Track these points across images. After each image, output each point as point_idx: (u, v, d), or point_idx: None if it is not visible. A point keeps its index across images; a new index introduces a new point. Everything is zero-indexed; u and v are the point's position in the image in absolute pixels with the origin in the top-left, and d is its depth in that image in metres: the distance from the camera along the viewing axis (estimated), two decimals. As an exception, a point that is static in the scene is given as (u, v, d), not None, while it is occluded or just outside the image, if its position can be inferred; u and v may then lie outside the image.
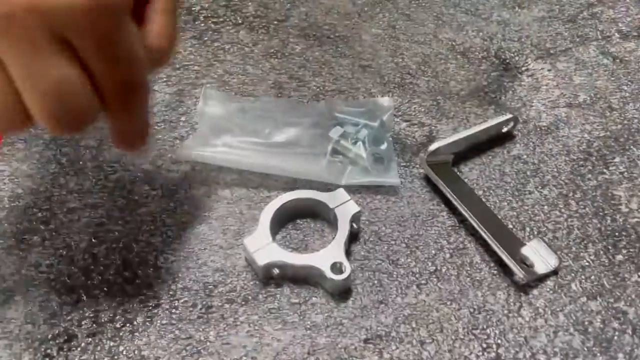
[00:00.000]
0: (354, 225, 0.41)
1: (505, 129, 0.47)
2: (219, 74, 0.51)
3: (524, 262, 0.39)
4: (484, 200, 0.43)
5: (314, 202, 0.41)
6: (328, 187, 0.43)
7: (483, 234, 0.40)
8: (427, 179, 0.44)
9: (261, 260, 0.38)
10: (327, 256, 0.38)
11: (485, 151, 0.46)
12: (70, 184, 0.44)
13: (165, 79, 0.51)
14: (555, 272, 0.39)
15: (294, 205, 0.41)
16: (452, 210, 0.43)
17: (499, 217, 0.42)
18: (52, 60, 0.29)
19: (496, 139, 0.47)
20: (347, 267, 0.38)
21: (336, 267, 0.38)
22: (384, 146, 0.45)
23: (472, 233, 0.42)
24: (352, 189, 0.43)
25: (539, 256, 0.39)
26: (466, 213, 0.41)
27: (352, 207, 0.41)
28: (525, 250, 0.39)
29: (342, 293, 0.39)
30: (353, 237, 0.41)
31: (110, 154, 0.45)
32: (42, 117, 0.30)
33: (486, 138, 0.46)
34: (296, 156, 0.44)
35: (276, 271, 0.38)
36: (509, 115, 0.46)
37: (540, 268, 0.39)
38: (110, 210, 0.42)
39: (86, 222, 0.42)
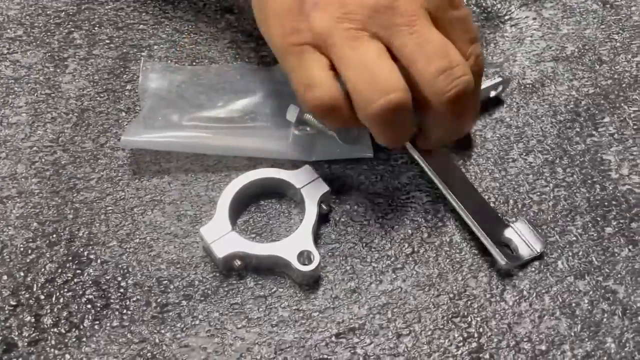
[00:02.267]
0: (323, 207, 0.37)
1: (493, 94, 0.42)
2: (168, 32, 0.45)
3: (507, 246, 0.36)
4: (464, 171, 0.40)
5: (277, 181, 0.37)
6: (294, 164, 0.39)
7: (463, 216, 0.36)
8: (403, 149, 0.40)
9: (220, 251, 0.34)
10: (293, 244, 0.35)
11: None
12: (4, 169, 0.39)
13: (107, 41, 0.45)
14: (540, 257, 0.36)
15: (256, 186, 0.37)
16: (430, 183, 0.39)
17: (481, 189, 0.39)
18: (433, 30, 0.34)
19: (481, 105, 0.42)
20: (316, 256, 0.34)
21: (303, 257, 0.34)
22: None
23: (452, 209, 0.38)
24: (320, 163, 0.39)
25: (523, 240, 0.36)
26: (446, 191, 0.37)
27: (321, 187, 0.37)
28: (509, 233, 0.36)
29: (312, 283, 0.35)
30: (322, 219, 0.37)
31: (46, 132, 0.40)
32: (439, 83, 0.33)
33: None
34: (256, 131, 0.39)
35: (238, 263, 0.35)
36: (498, 79, 0.42)
37: (524, 253, 0.36)
38: (47, 198, 0.38)
39: (21, 213, 0.37)
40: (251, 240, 0.35)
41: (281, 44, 0.35)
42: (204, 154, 0.39)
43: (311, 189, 0.36)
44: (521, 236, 0.36)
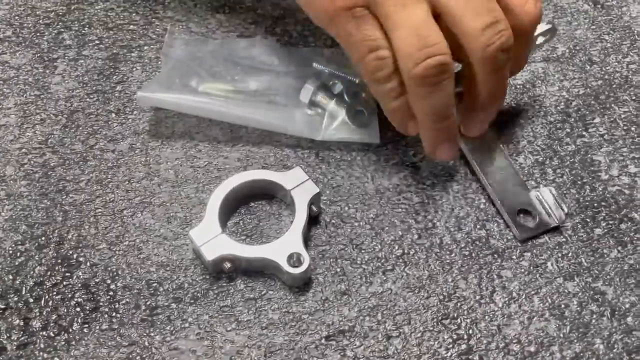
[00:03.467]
0: (313, 208, 0.37)
1: (541, 40, 0.41)
2: (158, 32, 0.45)
3: (528, 212, 0.37)
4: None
5: (267, 183, 0.37)
6: (284, 165, 0.39)
7: (484, 183, 0.38)
8: (394, 150, 0.40)
9: (210, 254, 0.34)
10: (283, 246, 0.34)
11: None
12: (-9, 170, 0.39)
13: (96, 42, 0.44)
14: (558, 228, 0.37)
15: (246, 187, 0.37)
16: (422, 181, 0.39)
17: (471, 190, 0.39)
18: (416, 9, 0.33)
19: None
20: (306, 258, 0.34)
21: (293, 259, 0.34)
22: (363, 99, 0.41)
23: (442, 209, 0.38)
24: (310, 164, 0.39)
25: (545, 208, 0.37)
26: (471, 160, 0.39)
27: (311, 188, 0.37)
28: (532, 199, 0.37)
29: (302, 285, 0.35)
30: (313, 220, 0.37)
31: (35, 133, 0.40)
32: (485, 36, 0.33)
33: None
34: (269, 106, 0.40)
35: (227, 265, 0.35)
36: (547, 26, 0.41)
37: (545, 221, 0.37)
38: (36, 200, 0.37)
39: (10, 216, 0.37)
40: (241, 243, 0.35)
41: (332, 9, 0.35)
42: (195, 153, 0.39)
43: (301, 191, 0.36)
44: (544, 204, 0.37)
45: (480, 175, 0.38)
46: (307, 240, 0.36)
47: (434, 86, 0.33)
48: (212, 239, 0.34)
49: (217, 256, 0.34)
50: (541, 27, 0.40)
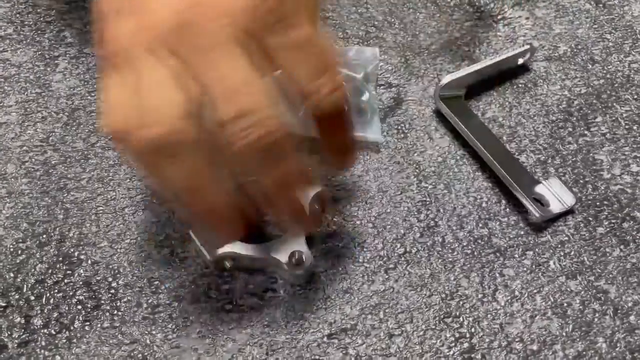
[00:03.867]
0: (316, 206, 0.36)
1: (521, 61, 0.44)
2: (160, 31, 0.45)
3: (538, 201, 0.37)
4: (456, 171, 0.40)
5: None
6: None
7: (498, 172, 0.38)
8: (396, 148, 0.40)
9: (211, 253, 0.34)
10: (285, 244, 0.34)
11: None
12: (-8, 168, 0.38)
13: (97, 39, 0.44)
14: (571, 211, 0.38)
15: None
16: (425, 179, 0.39)
17: (473, 189, 0.39)
18: (239, 62, 0.26)
19: (506, 75, 0.44)
20: (308, 257, 0.34)
21: (295, 258, 0.34)
22: (365, 97, 0.41)
23: (444, 208, 0.38)
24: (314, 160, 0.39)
25: (554, 195, 0.38)
26: (479, 149, 0.39)
27: (314, 185, 0.36)
28: (540, 189, 0.38)
29: (303, 283, 0.35)
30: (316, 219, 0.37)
31: (37, 131, 0.40)
32: (225, 131, 0.26)
33: (497, 72, 0.44)
34: None
35: (229, 263, 0.34)
36: (526, 46, 0.43)
37: (556, 207, 0.37)
38: (38, 198, 0.37)
39: (11, 213, 0.37)
40: (242, 241, 0.35)
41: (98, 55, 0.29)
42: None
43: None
44: (552, 192, 0.38)
45: (494, 163, 0.38)
46: (309, 238, 0.36)
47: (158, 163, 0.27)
48: (213, 237, 0.34)
49: (218, 255, 0.34)
50: (519, 48, 0.43)
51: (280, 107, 0.27)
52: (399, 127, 0.42)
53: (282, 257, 0.34)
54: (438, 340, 0.34)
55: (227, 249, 0.34)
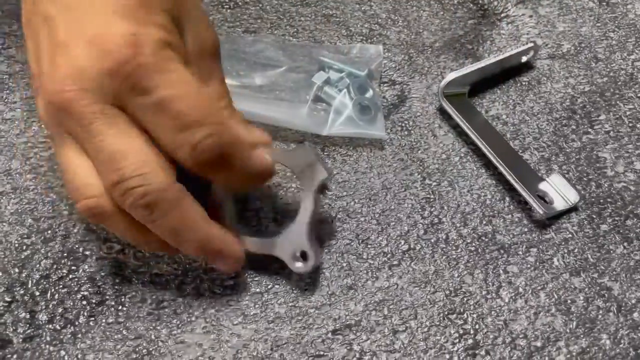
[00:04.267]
0: (322, 195, 0.34)
1: (524, 59, 0.44)
2: (164, 28, 0.45)
3: (542, 198, 0.37)
4: (460, 168, 0.40)
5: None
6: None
7: (501, 169, 0.38)
8: (400, 145, 0.40)
9: None
10: (288, 242, 0.34)
11: (462, 112, 0.42)
12: (-3, 163, 0.38)
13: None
14: (574, 209, 0.38)
15: None
16: (429, 176, 0.39)
17: (477, 186, 0.39)
18: (111, 132, 0.28)
19: (510, 72, 0.44)
20: (312, 256, 0.33)
21: (298, 257, 0.33)
22: (369, 94, 0.41)
23: (448, 205, 0.38)
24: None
25: (558, 192, 0.38)
26: (483, 146, 0.39)
27: (319, 172, 0.33)
28: (544, 186, 0.38)
29: (307, 279, 0.35)
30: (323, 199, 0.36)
31: (41, 127, 0.40)
32: (115, 197, 0.29)
33: (501, 70, 0.44)
34: (275, 101, 0.40)
35: None
36: (529, 44, 0.43)
37: (559, 204, 0.37)
38: (42, 194, 0.37)
39: (16, 209, 0.37)
40: (245, 235, 0.35)
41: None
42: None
43: (308, 175, 0.33)
44: (556, 189, 0.38)
45: (497, 160, 0.38)
46: (313, 231, 0.34)
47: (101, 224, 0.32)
48: None
49: None
50: (523, 46, 0.43)
51: (160, 162, 0.29)
52: (403, 125, 0.42)
53: (286, 256, 0.34)
54: (442, 337, 0.34)
55: None
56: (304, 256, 0.33)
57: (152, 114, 0.29)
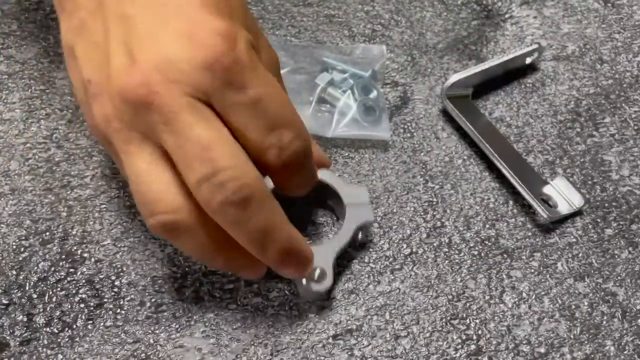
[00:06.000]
0: (360, 235, 0.35)
1: (529, 60, 0.43)
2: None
3: (546, 202, 0.37)
4: (463, 171, 0.39)
5: (325, 187, 0.35)
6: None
7: (505, 172, 0.37)
8: (403, 148, 0.40)
9: None
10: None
11: (465, 114, 0.42)
12: (-5, 164, 0.38)
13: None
14: (579, 213, 0.38)
15: None
16: (431, 179, 0.39)
17: (481, 189, 0.39)
18: (200, 125, 0.26)
19: (514, 74, 0.44)
20: (329, 277, 0.32)
21: (316, 274, 0.32)
22: (373, 94, 0.41)
23: (451, 209, 0.38)
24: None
25: (562, 196, 0.37)
26: (486, 149, 0.38)
27: (366, 214, 0.34)
28: (548, 190, 0.38)
29: (316, 302, 0.34)
30: (358, 245, 0.36)
31: (40, 128, 0.40)
32: (203, 193, 0.27)
33: (504, 72, 0.43)
34: None
35: None
36: (534, 46, 0.43)
37: (564, 208, 0.37)
38: (41, 195, 0.37)
39: (14, 211, 0.36)
40: None
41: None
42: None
43: (355, 212, 0.34)
44: (560, 192, 0.37)
45: (501, 163, 0.38)
46: (339, 260, 0.35)
47: (174, 240, 0.29)
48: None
49: None
50: (527, 48, 0.43)
51: (248, 159, 0.28)
52: (406, 127, 0.41)
53: None
54: (445, 342, 0.33)
55: None
56: (320, 277, 0.32)
57: (245, 112, 0.27)
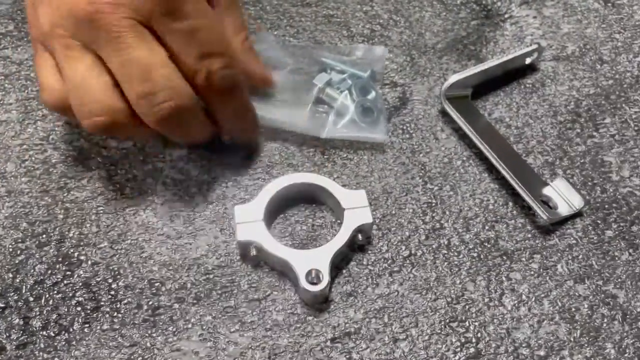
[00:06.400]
0: (359, 237, 0.35)
1: (528, 61, 0.43)
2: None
3: (546, 203, 0.37)
4: (462, 172, 0.39)
5: (325, 192, 0.36)
6: (289, 163, 0.38)
7: (504, 173, 0.37)
8: (401, 149, 0.40)
9: (241, 235, 0.34)
10: (308, 258, 0.33)
11: (465, 115, 0.42)
12: (-9, 166, 0.38)
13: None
14: (579, 214, 0.37)
15: (304, 187, 0.36)
16: (430, 180, 0.38)
17: (480, 190, 0.38)
18: (141, 47, 0.30)
19: (514, 74, 0.44)
20: (325, 279, 0.32)
21: (312, 275, 0.33)
22: (371, 95, 0.40)
23: (450, 210, 0.38)
24: (315, 163, 0.39)
25: (562, 197, 0.37)
26: (486, 150, 0.38)
27: (364, 216, 0.35)
28: (548, 191, 0.37)
29: (315, 304, 0.34)
30: (357, 247, 0.36)
31: (37, 129, 0.39)
32: (141, 107, 0.31)
33: (504, 72, 0.43)
34: (275, 103, 0.40)
35: (253, 252, 0.34)
36: (533, 46, 0.43)
37: (564, 210, 0.37)
38: (37, 197, 0.37)
39: (10, 213, 0.36)
40: (274, 238, 0.34)
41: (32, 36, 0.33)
42: (201, 151, 0.39)
43: (354, 215, 0.35)
44: (560, 194, 0.37)
45: (501, 164, 0.37)
46: (336, 262, 0.35)
47: (114, 137, 0.36)
48: (250, 222, 0.34)
49: (247, 239, 0.34)
50: (526, 48, 0.42)
51: (183, 80, 0.31)
52: (405, 127, 0.41)
53: (301, 270, 0.33)
54: (443, 345, 0.33)
55: (256, 237, 0.34)
56: (317, 276, 0.33)
57: (181, 38, 0.31)
